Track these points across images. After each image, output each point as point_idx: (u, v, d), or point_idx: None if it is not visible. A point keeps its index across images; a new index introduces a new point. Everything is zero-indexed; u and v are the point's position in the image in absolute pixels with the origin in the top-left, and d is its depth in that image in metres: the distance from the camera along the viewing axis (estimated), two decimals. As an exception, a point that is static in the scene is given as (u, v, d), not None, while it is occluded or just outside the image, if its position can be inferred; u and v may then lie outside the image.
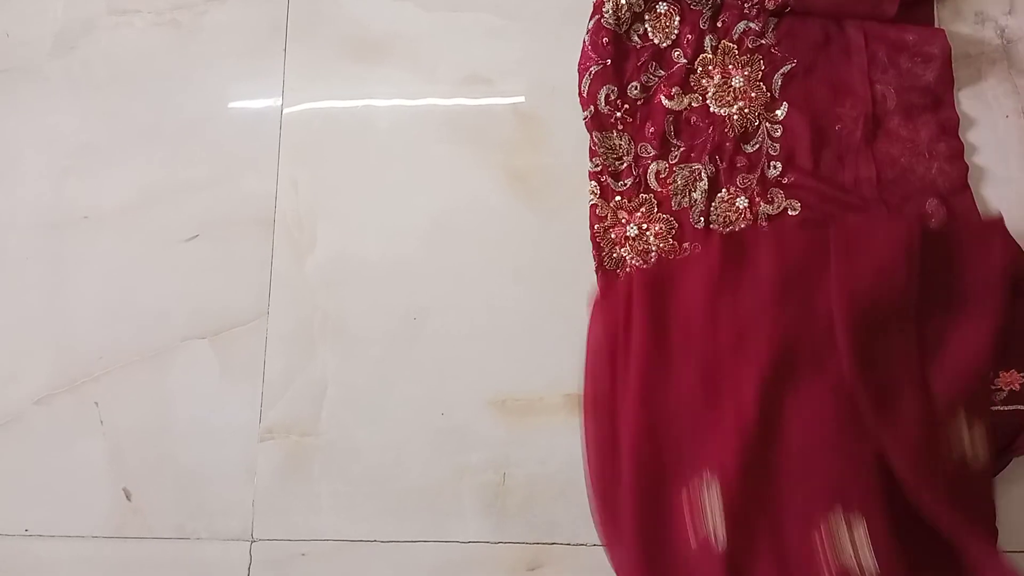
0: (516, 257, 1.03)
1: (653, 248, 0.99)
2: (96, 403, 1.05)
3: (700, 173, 0.99)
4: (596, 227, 1.00)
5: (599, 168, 1.01)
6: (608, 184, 1.01)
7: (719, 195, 0.99)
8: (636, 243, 0.99)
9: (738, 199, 0.98)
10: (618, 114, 1.01)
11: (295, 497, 1.00)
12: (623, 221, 1.00)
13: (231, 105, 1.12)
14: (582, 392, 0.94)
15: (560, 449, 0.98)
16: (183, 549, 1.01)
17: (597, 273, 0.99)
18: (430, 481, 0.99)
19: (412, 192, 1.06)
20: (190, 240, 1.08)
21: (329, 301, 1.04)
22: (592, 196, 1.01)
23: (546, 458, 0.98)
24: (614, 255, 0.99)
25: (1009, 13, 1.01)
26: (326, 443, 1.01)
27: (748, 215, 0.98)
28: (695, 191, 0.99)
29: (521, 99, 1.06)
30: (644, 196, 1.00)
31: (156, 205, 1.09)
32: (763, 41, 1.01)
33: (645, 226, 0.99)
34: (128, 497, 1.03)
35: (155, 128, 1.12)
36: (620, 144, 1.01)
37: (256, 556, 1.00)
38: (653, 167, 1.01)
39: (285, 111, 1.10)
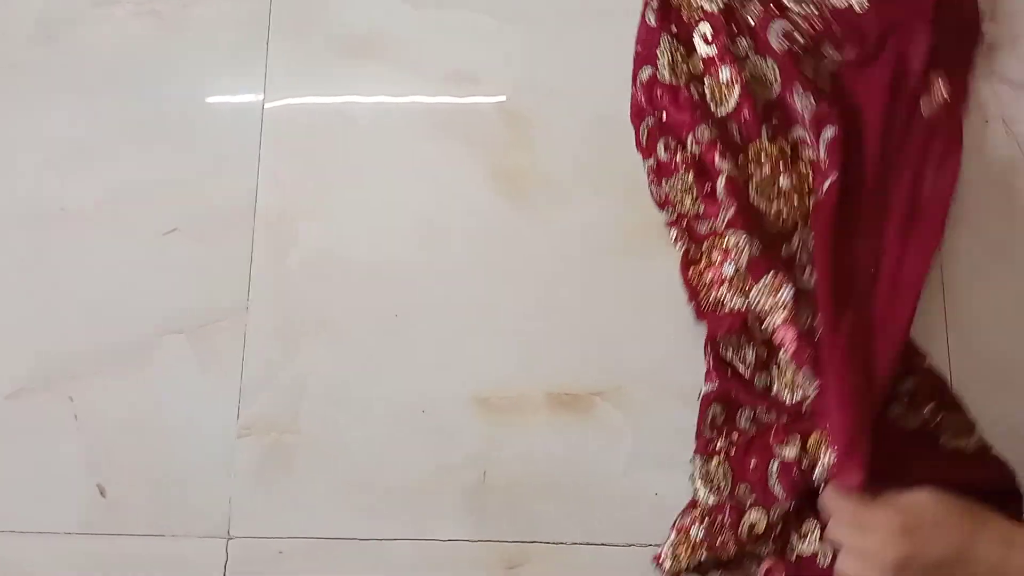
0: (500, 255, 1.02)
1: None
2: (71, 398, 1.03)
3: None
4: (691, 271, 0.97)
5: (675, 217, 0.99)
6: (694, 227, 0.98)
7: None
8: (736, 280, 0.94)
9: None
10: (678, 158, 0.98)
11: (273, 494, 0.99)
12: (717, 261, 0.96)
13: (212, 99, 1.11)
14: None
15: (542, 447, 0.97)
16: (158, 546, 0.99)
17: (700, 318, 0.96)
18: (410, 479, 0.98)
19: (395, 189, 1.05)
20: (168, 234, 1.07)
21: (310, 297, 1.03)
22: (679, 243, 0.98)
23: (528, 456, 0.97)
24: (711, 298, 0.96)
25: (990, 19, 1.02)
26: (305, 440, 1.00)
27: None
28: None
29: (507, 97, 1.06)
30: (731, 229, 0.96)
31: (134, 198, 1.08)
32: (815, 156, 0.96)
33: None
34: (103, 493, 1.01)
35: (134, 121, 1.10)
36: (689, 181, 0.98)
37: (233, 553, 0.99)
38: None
39: (267, 106, 1.09)
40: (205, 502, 1.00)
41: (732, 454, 0.93)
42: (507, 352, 1.00)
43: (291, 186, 1.06)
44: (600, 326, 1.00)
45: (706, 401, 0.95)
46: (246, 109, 1.09)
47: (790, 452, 0.90)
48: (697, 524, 0.91)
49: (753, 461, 0.92)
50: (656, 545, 0.94)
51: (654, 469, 0.96)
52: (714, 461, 0.93)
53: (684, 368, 0.97)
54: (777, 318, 0.91)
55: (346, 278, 1.03)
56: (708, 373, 0.95)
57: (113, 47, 1.13)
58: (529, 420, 0.98)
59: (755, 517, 0.90)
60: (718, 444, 0.94)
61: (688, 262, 0.98)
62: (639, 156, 1.02)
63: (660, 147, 1.00)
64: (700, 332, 0.97)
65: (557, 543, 0.96)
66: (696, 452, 0.94)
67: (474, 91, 1.07)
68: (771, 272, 0.91)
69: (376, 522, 0.98)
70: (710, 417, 0.94)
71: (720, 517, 0.91)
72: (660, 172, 1.00)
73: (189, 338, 1.04)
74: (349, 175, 1.06)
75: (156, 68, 1.12)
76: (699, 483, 0.93)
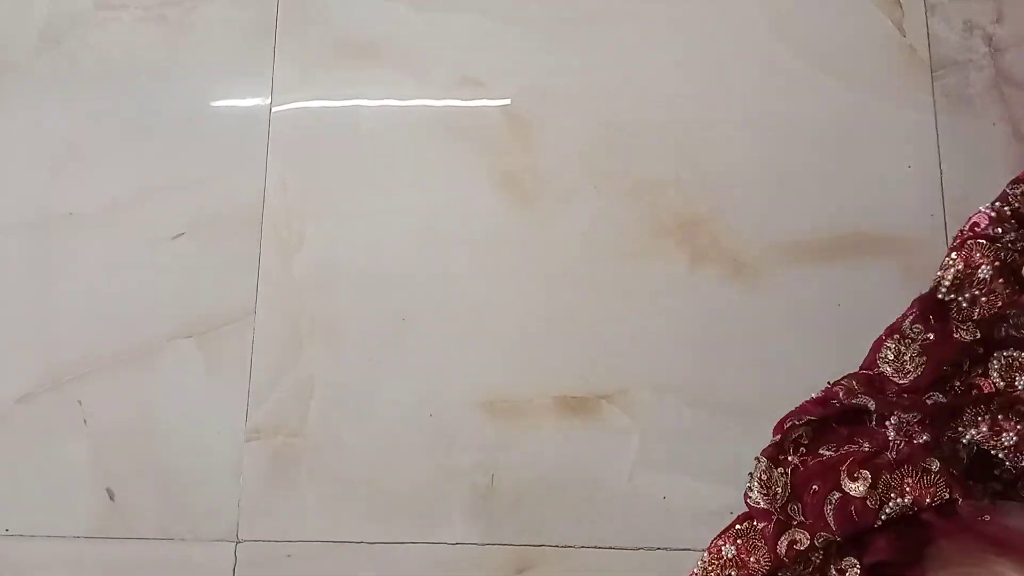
0: (505, 258, 1.03)
1: None
2: (80, 402, 1.04)
3: None
4: None
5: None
6: None
7: None
8: None
9: None
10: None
11: (281, 498, 1.00)
12: None
13: (219, 103, 1.11)
14: None
15: (549, 451, 0.98)
16: (167, 550, 1.00)
17: None
18: (418, 482, 0.98)
19: (401, 193, 1.06)
20: (176, 238, 1.07)
21: (317, 301, 1.04)
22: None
23: (535, 460, 0.98)
24: None
25: (997, 22, 1.02)
26: (313, 444, 1.00)
27: None
28: None
29: (511, 101, 1.06)
30: None
31: (142, 202, 1.08)
32: None
33: None
34: (111, 497, 1.02)
35: (142, 125, 1.11)
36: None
37: (241, 557, 0.99)
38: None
39: (274, 110, 1.09)
40: (214, 506, 1.00)
41: (800, 471, 0.91)
42: (513, 355, 1.00)
43: (298, 190, 1.07)
44: (606, 329, 1.00)
45: (801, 413, 0.89)
46: (254, 113, 1.10)
47: (857, 488, 0.88)
48: (729, 543, 0.90)
49: (815, 486, 0.88)
50: (664, 549, 0.94)
51: (661, 472, 0.96)
52: (778, 470, 0.90)
53: (691, 371, 0.97)
54: None
55: (353, 282, 1.04)
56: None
57: (121, 52, 1.13)
58: (536, 424, 0.98)
59: (799, 536, 0.88)
60: (789, 457, 0.92)
61: None
62: (641, 160, 1.03)
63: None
64: (703, 336, 0.98)
65: (565, 547, 0.96)
66: (763, 454, 0.92)
67: (479, 95, 1.07)
68: None
69: (384, 526, 0.98)
70: (794, 436, 0.89)
71: (765, 526, 0.88)
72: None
73: (197, 342, 1.04)
74: (356, 179, 1.07)
75: (163, 73, 1.12)
76: (756, 483, 0.89)
